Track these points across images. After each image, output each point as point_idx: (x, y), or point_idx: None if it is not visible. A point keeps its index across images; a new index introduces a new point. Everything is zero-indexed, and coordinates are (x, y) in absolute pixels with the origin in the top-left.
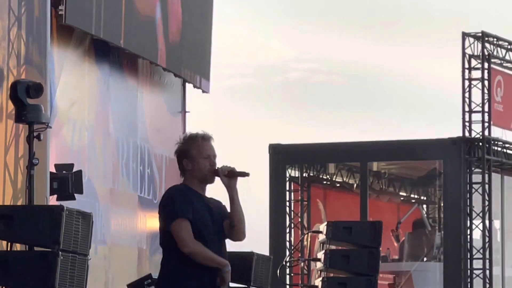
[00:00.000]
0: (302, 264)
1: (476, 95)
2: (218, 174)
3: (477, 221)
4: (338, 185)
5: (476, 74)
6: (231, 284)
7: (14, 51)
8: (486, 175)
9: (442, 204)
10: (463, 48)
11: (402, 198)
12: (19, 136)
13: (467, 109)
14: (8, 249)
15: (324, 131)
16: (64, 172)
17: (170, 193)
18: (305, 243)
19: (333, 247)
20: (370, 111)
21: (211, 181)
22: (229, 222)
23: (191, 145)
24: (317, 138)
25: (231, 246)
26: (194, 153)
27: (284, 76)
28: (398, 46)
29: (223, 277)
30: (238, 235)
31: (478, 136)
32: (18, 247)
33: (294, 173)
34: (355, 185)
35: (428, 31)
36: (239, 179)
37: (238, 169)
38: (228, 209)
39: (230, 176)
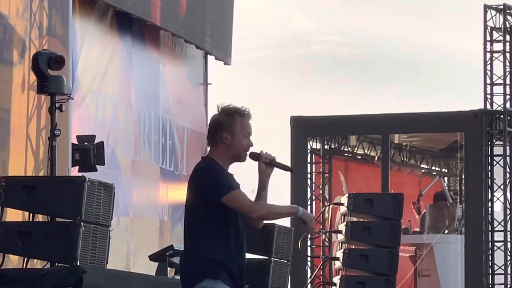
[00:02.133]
0: (323, 236)
1: (498, 68)
2: (258, 158)
3: (498, 194)
4: (359, 157)
5: (498, 46)
6: (252, 256)
7: (36, 22)
8: (508, 148)
9: (463, 177)
10: (485, 21)
11: (423, 171)
12: (41, 107)
13: (488, 81)
14: (30, 220)
15: (346, 103)
16: (86, 143)
17: (209, 168)
18: (326, 215)
19: (354, 219)
20: (392, 83)
21: (243, 159)
22: None
23: (237, 119)
24: (339, 111)
25: None
26: (237, 128)
27: (306, 48)
28: (420, 18)
29: (306, 224)
30: (259, 222)
31: (499, 108)
32: (40, 218)
33: (316, 145)
34: (376, 158)
35: (450, 3)
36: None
37: (279, 160)
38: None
39: (271, 165)
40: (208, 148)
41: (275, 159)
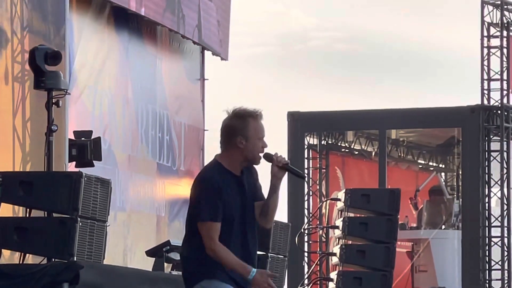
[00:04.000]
0: (320, 231)
1: (495, 63)
2: (272, 161)
3: (495, 189)
4: (356, 152)
5: (495, 42)
6: None
7: (18, 14)
8: (505, 143)
9: (460, 172)
10: (482, 16)
11: (420, 166)
12: (26, 99)
13: (485, 77)
14: (27, 215)
15: (343, 99)
16: (83, 139)
17: (200, 185)
18: (323, 210)
19: (351, 214)
20: (389, 79)
21: (258, 162)
22: (263, 209)
23: (250, 123)
24: (337, 106)
25: None
26: (251, 132)
27: (304, 45)
28: (417, 14)
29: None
30: (269, 223)
31: (496, 104)
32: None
33: (313, 140)
34: (373, 153)
35: None
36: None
37: (292, 166)
38: (265, 193)
39: (284, 169)
40: (220, 150)
41: (288, 164)
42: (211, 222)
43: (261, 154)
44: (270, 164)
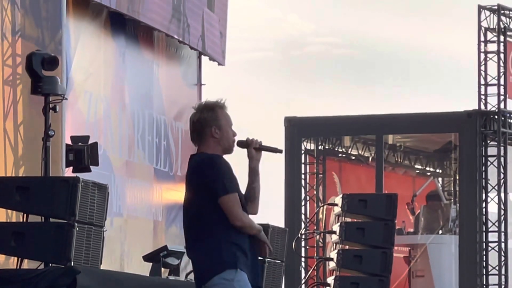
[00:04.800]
0: (317, 236)
1: (492, 68)
2: (247, 145)
3: (492, 194)
4: (353, 158)
5: (492, 47)
6: None
7: (8, 17)
8: (502, 148)
9: (457, 177)
10: (479, 21)
11: (417, 171)
12: (17, 103)
13: (482, 82)
14: (24, 220)
15: (340, 104)
16: (80, 144)
17: (213, 163)
18: (320, 215)
19: (348, 219)
20: (386, 84)
21: (232, 151)
22: (249, 195)
23: (220, 113)
24: (334, 112)
25: None
26: (223, 121)
27: (302, 50)
28: (414, 19)
29: (265, 246)
30: (256, 209)
31: (493, 109)
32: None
33: (310, 146)
34: (370, 158)
35: (444, 3)
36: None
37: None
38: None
39: (261, 149)
40: (196, 148)
41: (262, 143)
42: (234, 194)
43: (235, 143)
44: (246, 149)
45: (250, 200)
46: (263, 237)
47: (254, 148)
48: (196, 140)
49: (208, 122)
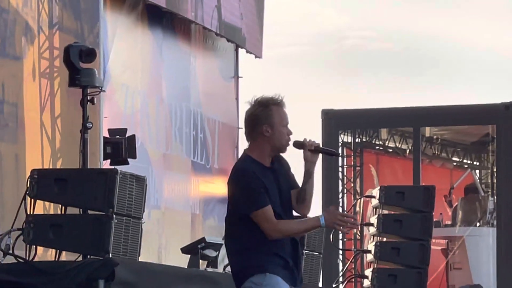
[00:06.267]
0: (355, 229)
1: None
2: (303, 147)
3: None
4: (390, 150)
5: None
6: None
7: (45, 10)
8: None
9: (495, 170)
10: None
11: (454, 164)
12: (55, 96)
13: None
14: (62, 212)
15: (377, 97)
16: (117, 136)
17: (236, 180)
18: (357, 208)
19: (385, 211)
20: (423, 76)
21: (285, 150)
22: (300, 196)
23: (274, 110)
24: (371, 104)
25: None
26: (276, 119)
27: (338, 44)
28: (453, 11)
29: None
30: (307, 210)
31: None
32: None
33: (347, 138)
34: (407, 151)
35: None
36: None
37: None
38: (299, 179)
39: (317, 151)
40: (247, 144)
41: (319, 145)
42: (263, 209)
43: (291, 143)
44: (302, 151)
45: (300, 201)
46: (327, 224)
47: (309, 150)
48: (247, 137)
49: (260, 119)
